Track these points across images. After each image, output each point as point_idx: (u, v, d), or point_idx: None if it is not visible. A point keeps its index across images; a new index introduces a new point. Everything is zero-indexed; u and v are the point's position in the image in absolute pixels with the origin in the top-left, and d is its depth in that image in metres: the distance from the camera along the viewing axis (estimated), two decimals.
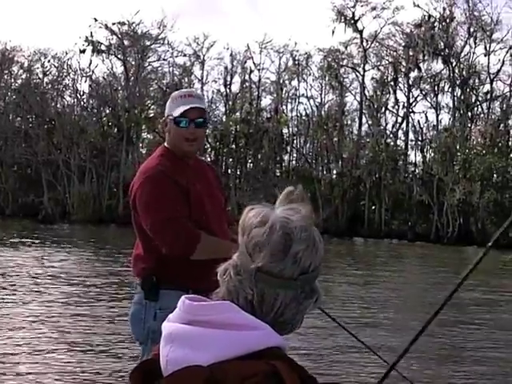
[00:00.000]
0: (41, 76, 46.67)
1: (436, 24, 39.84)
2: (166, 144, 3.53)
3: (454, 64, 40.23)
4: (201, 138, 3.54)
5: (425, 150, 41.04)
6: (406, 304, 14.70)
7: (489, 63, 40.57)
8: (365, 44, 42.48)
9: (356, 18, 42.10)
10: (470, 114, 40.68)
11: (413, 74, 41.97)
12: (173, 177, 3.36)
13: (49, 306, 11.22)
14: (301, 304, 1.38)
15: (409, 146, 42.86)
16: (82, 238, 29.09)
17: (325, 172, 43.72)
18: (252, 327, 1.30)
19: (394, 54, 42.28)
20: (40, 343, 8.42)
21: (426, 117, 42.48)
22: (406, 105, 42.48)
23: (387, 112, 43.60)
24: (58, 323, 9.76)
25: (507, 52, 40.03)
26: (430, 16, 39.90)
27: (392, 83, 42.68)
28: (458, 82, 40.36)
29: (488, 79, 40.63)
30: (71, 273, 15.98)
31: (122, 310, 11.08)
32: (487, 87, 40.74)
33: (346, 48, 42.67)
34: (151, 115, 44.01)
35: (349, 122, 45.03)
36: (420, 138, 41.59)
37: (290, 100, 45.92)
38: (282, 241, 1.34)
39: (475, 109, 41.26)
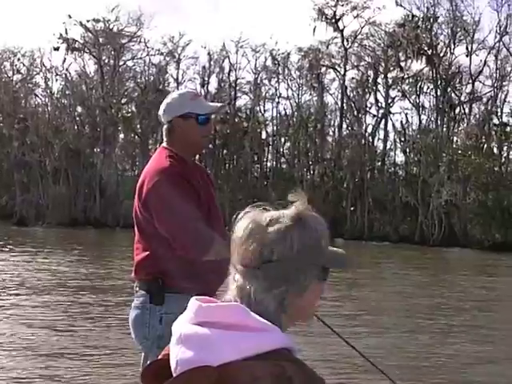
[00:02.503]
0: (10, 74, 45.53)
1: (420, 24, 39.67)
2: (166, 145, 3.48)
3: (437, 64, 40.07)
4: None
5: (407, 151, 40.79)
6: (389, 306, 14.61)
7: (470, 64, 40.55)
8: (345, 44, 42.13)
9: (337, 17, 41.72)
10: (452, 114, 40.58)
11: (394, 74, 41.76)
12: (187, 177, 3.35)
13: (32, 311, 11.00)
14: (270, 291, 1.40)
15: (390, 147, 42.66)
16: (59, 240, 28.64)
17: (306, 173, 43.25)
18: (261, 329, 1.32)
19: (375, 53, 41.96)
20: (26, 349, 8.22)
21: (407, 117, 42.14)
22: (385, 105, 42.21)
23: (371, 112, 43.30)
24: (42, 328, 9.54)
25: (489, 53, 40.05)
26: (413, 16, 39.75)
27: (373, 83, 42.38)
28: (440, 83, 40.21)
29: (470, 80, 40.57)
30: (54, 276, 15.66)
31: (110, 314, 11.07)
32: (470, 88, 40.70)
33: (327, 47, 42.24)
34: (128, 115, 43.14)
35: (330, 123, 44.65)
36: (403, 139, 41.34)
37: (268, 100, 45.33)
38: (241, 236, 1.43)
39: (457, 109, 41.15)
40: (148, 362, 3.06)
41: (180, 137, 3.44)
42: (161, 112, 3.54)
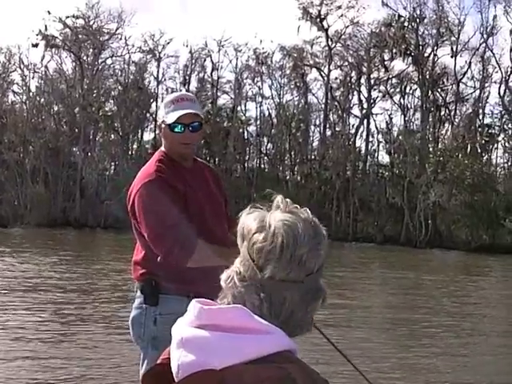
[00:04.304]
0: None
1: (406, 24, 39.61)
2: (162, 148, 3.55)
3: (423, 65, 40.00)
4: (197, 141, 3.60)
5: (392, 151, 40.63)
6: (375, 307, 14.58)
7: (455, 64, 40.57)
8: (330, 43, 41.83)
9: (322, 17, 41.41)
10: (438, 115, 40.57)
11: (379, 75, 41.58)
12: (171, 182, 3.36)
13: (14, 314, 10.79)
14: (309, 305, 1.40)
15: (372, 147, 42.49)
16: (40, 241, 28.01)
17: (291, 173, 42.90)
18: (264, 331, 1.32)
19: (360, 53, 41.76)
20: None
21: (391, 118, 42.01)
22: (367, 106, 42.04)
23: (353, 112, 43.12)
24: (34, 331, 9.39)
25: (474, 54, 40.07)
26: (399, 16, 39.67)
27: (358, 83, 42.18)
28: (426, 83, 40.15)
29: (455, 81, 40.59)
30: (36, 278, 15.38)
31: (99, 314, 11.04)
32: (455, 88, 40.68)
33: (311, 47, 41.95)
34: (109, 113, 42.35)
35: (316, 123, 44.38)
36: (389, 140, 41.19)
37: (251, 99, 44.88)
38: (286, 246, 1.35)
39: (442, 110, 41.16)
40: (146, 363, 3.28)
41: (164, 141, 3.53)
42: None
